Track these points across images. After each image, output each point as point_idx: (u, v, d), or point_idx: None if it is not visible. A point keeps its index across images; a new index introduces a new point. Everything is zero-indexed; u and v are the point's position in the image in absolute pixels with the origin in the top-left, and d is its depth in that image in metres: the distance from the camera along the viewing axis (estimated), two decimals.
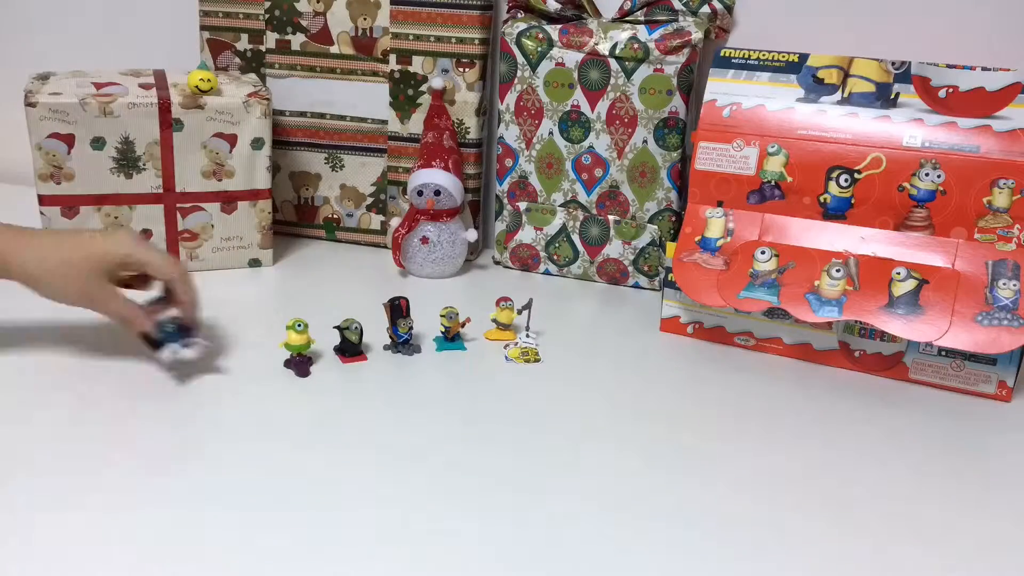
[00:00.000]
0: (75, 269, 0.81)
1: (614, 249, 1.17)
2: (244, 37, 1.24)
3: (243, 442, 0.78)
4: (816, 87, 0.98)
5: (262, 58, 1.25)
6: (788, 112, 0.98)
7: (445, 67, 1.19)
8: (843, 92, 0.97)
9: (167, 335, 0.85)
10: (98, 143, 1.06)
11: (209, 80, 1.09)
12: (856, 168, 0.95)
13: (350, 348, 0.93)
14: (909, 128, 0.94)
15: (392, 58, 1.20)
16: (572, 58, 1.11)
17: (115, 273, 0.84)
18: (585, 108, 1.13)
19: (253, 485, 0.72)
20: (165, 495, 0.70)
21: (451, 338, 0.98)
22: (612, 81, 1.11)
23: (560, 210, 1.18)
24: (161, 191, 1.11)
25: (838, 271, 0.93)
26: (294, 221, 1.30)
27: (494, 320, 1.01)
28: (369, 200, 1.27)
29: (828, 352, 0.98)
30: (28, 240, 0.82)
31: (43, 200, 1.07)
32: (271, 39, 1.24)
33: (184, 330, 0.84)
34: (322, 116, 1.25)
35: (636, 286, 1.19)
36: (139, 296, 0.88)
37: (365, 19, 1.20)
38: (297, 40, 1.23)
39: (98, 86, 1.08)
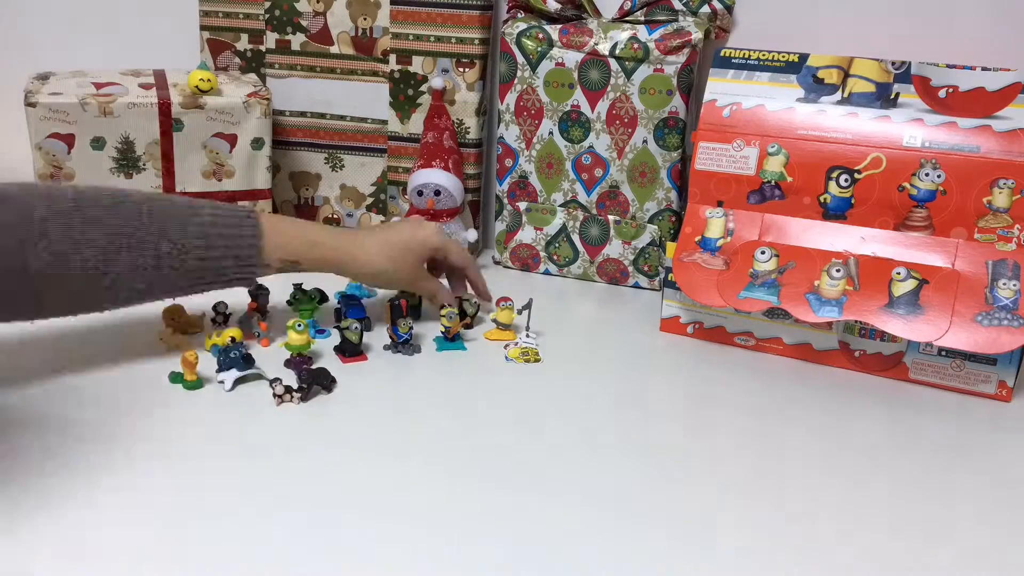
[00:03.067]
0: (410, 255, 0.96)
1: (614, 249, 1.17)
2: (244, 37, 1.25)
3: (242, 442, 0.78)
4: (816, 87, 0.98)
5: (262, 58, 1.25)
6: (788, 112, 0.98)
7: (445, 67, 1.19)
8: (843, 92, 0.97)
9: (231, 361, 0.86)
10: (98, 143, 1.06)
11: (209, 80, 1.09)
12: (856, 168, 0.95)
13: (350, 348, 0.93)
14: (909, 128, 0.94)
15: (392, 58, 1.20)
16: (572, 58, 1.12)
17: (427, 257, 0.99)
18: (585, 108, 1.13)
19: (252, 484, 0.72)
20: (164, 494, 0.70)
21: (451, 338, 0.98)
22: (612, 81, 1.11)
23: (560, 210, 1.18)
24: (161, 191, 1.10)
25: (838, 271, 0.93)
26: None
27: (494, 320, 1.01)
28: (369, 200, 1.27)
29: (828, 352, 0.98)
30: (363, 237, 0.96)
31: None
32: (271, 39, 1.24)
33: (248, 360, 0.87)
34: (322, 116, 1.25)
35: (636, 286, 1.19)
36: None
37: (365, 19, 1.20)
38: (297, 40, 1.23)
39: (98, 86, 1.08)
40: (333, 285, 1.08)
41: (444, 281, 1.05)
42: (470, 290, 1.05)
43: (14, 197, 0.77)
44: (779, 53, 1.00)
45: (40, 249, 0.76)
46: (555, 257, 1.21)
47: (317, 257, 0.92)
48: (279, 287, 1.07)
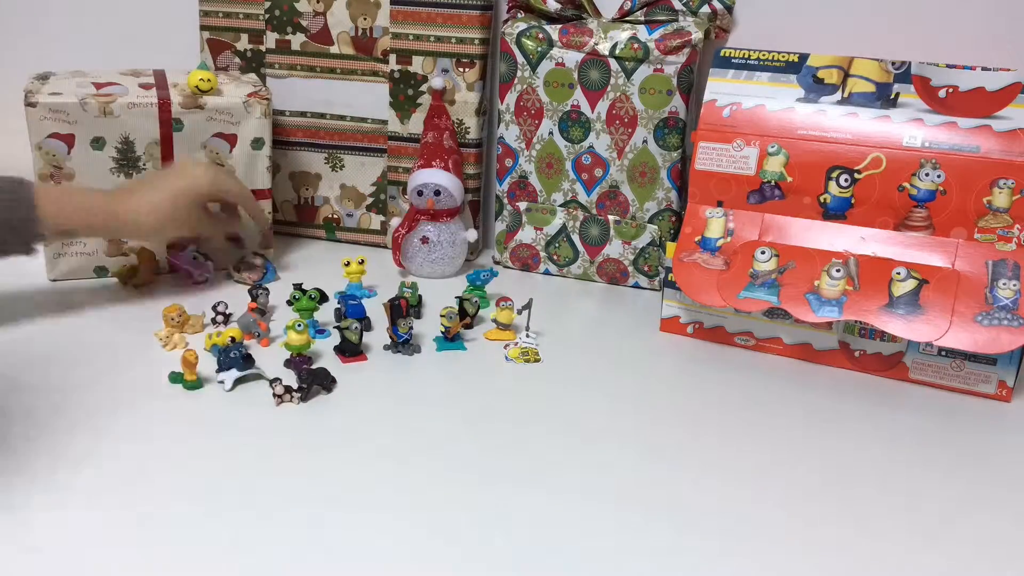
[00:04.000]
0: (181, 206, 0.96)
1: (614, 249, 1.17)
2: (244, 37, 1.24)
3: (241, 441, 0.78)
4: (816, 87, 0.98)
5: (262, 58, 1.25)
6: (788, 112, 0.98)
7: (445, 67, 1.19)
8: (843, 92, 0.97)
9: (231, 361, 0.86)
10: (98, 143, 1.06)
11: (209, 80, 1.09)
12: (856, 168, 0.95)
13: (350, 348, 0.93)
14: (909, 128, 0.94)
15: (392, 58, 1.20)
16: (572, 58, 1.12)
17: (202, 201, 0.99)
18: (585, 108, 1.13)
19: (252, 484, 0.72)
20: (164, 494, 0.70)
21: (451, 338, 0.98)
22: (612, 81, 1.11)
23: (560, 210, 1.18)
24: None
25: (838, 271, 0.93)
26: (294, 221, 1.30)
27: (494, 320, 1.01)
28: (369, 200, 1.27)
29: (828, 352, 0.98)
30: (129, 196, 0.96)
31: None
32: (271, 39, 1.24)
33: (248, 360, 0.87)
34: (322, 116, 1.25)
35: (636, 286, 1.19)
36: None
37: (365, 19, 1.20)
38: (297, 40, 1.23)
39: (98, 86, 1.08)
40: (333, 285, 1.09)
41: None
42: (246, 219, 1.07)
43: None
44: (779, 53, 1.00)
45: None
46: (555, 257, 1.21)
47: (88, 224, 0.94)
48: (279, 287, 1.07)
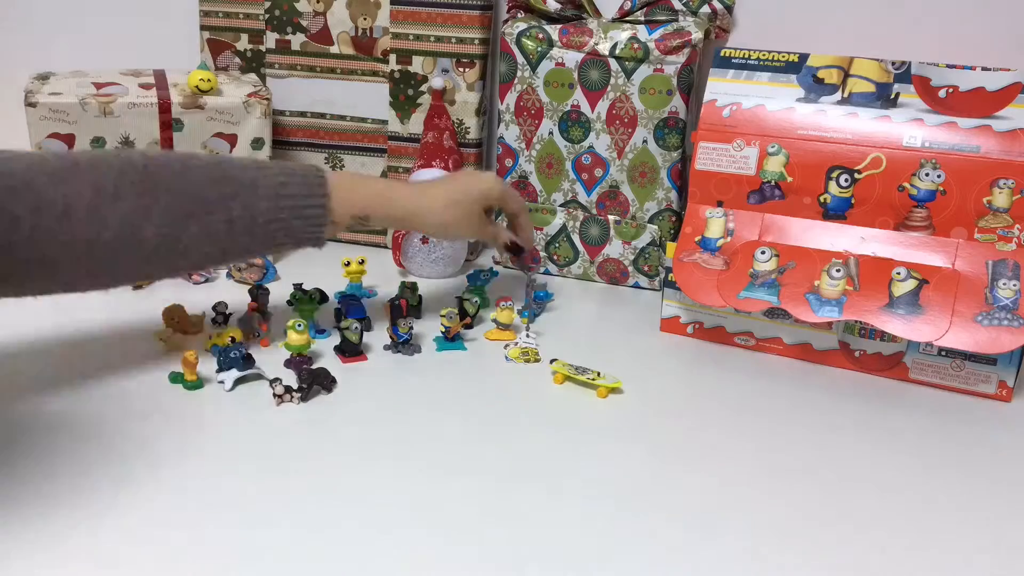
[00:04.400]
0: (474, 207, 0.97)
1: (614, 249, 1.17)
2: (244, 37, 1.25)
3: (242, 442, 0.78)
4: (816, 87, 0.98)
5: (262, 58, 1.25)
6: (788, 112, 0.98)
7: (445, 67, 1.19)
8: (843, 92, 0.97)
9: (231, 361, 0.86)
10: (98, 143, 1.06)
11: (209, 80, 1.09)
12: (856, 168, 0.95)
13: (350, 348, 0.93)
14: (909, 128, 0.94)
15: (392, 58, 1.20)
16: (572, 58, 1.12)
17: (488, 205, 0.99)
18: (585, 108, 1.13)
19: (251, 484, 0.72)
20: (164, 494, 0.70)
21: (451, 338, 0.98)
22: (612, 81, 1.11)
23: (560, 210, 1.18)
24: None
25: (838, 271, 0.93)
26: None
27: (494, 320, 1.01)
28: None
29: (828, 352, 0.98)
30: (425, 190, 0.96)
31: None
32: (271, 39, 1.24)
33: (248, 360, 0.87)
34: (322, 116, 1.25)
35: (636, 286, 1.19)
36: None
37: (365, 19, 1.20)
38: (297, 40, 1.23)
39: (98, 86, 1.08)
40: (333, 285, 1.09)
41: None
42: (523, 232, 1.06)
43: (85, 165, 0.76)
44: (779, 53, 1.00)
45: (112, 218, 0.75)
46: (555, 257, 1.21)
47: (385, 212, 0.92)
48: (279, 287, 1.07)
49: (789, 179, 0.97)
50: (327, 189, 0.87)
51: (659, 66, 1.09)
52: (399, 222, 0.95)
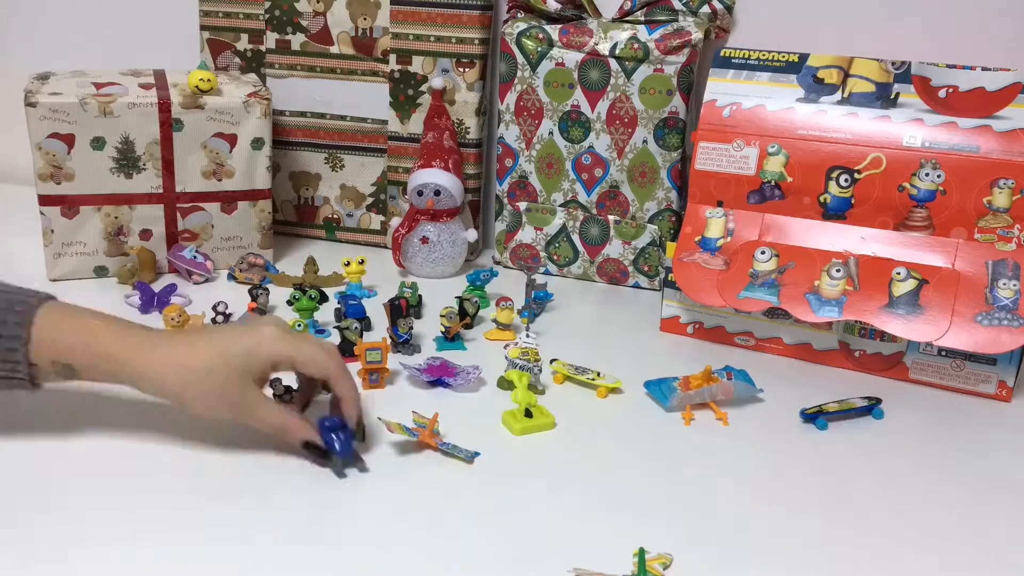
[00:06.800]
0: (217, 378, 0.71)
1: (614, 249, 1.17)
2: (244, 37, 1.24)
3: (242, 441, 0.78)
4: (816, 87, 0.98)
5: (262, 58, 1.25)
6: (788, 112, 0.98)
7: (445, 67, 1.19)
8: (843, 92, 0.97)
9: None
10: (98, 143, 1.06)
11: (209, 80, 1.09)
12: (856, 168, 0.95)
13: (350, 348, 0.93)
14: (909, 128, 0.94)
15: (392, 58, 1.20)
16: (572, 58, 1.11)
17: (263, 375, 0.74)
18: (585, 108, 1.13)
19: (251, 484, 0.72)
20: (163, 493, 0.70)
21: (451, 338, 0.98)
22: (612, 81, 1.11)
23: (560, 210, 1.18)
24: (161, 191, 1.10)
25: (838, 271, 0.93)
26: (294, 221, 1.30)
27: (494, 320, 1.01)
28: (369, 200, 1.27)
29: (828, 352, 0.98)
30: (155, 344, 0.73)
31: (43, 200, 1.07)
32: (271, 39, 1.24)
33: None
34: (322, 116, 1.25)
35: (636, 286, 1.19)
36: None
37: (365, 19, 1.20)
38: (297, 40, 1.23)
39: (98, 86, 1.08)
40: (333, 285, 1.09)
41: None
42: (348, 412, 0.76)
43: None
44: (779, 53, 1.00)
45: None
46: (555, 257, 1.21)
47: (90, 363, 0.72)
48: (279, 287, 1.07)
49: (789, 179, 0.97)
50: (30, 319, 0.71)
51: (659, 66, 1.09)
52: (112, 378, 0.73)
